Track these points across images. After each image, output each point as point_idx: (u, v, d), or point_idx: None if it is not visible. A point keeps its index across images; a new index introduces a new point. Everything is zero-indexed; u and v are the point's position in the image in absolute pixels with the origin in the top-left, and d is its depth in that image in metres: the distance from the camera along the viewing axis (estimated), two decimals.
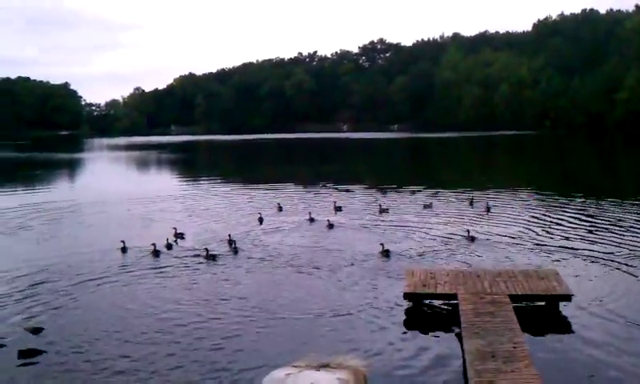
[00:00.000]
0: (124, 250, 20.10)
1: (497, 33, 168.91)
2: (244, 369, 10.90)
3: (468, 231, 21.27)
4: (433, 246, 20.37)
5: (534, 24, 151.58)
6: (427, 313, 13.74)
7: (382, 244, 19.32)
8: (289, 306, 14.33)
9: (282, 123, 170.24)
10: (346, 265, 18.09)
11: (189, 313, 13.97)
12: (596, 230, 22.04)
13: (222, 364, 11.11)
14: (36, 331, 12.45)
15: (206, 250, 19.46)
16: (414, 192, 33.84)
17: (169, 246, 20.39)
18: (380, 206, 27.30)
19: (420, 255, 19.13)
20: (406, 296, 13.81)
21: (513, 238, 21.17)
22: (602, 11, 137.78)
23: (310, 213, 25.89)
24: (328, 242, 21.34)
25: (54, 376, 10.89)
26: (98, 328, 13.12)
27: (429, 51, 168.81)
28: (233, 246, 20.20)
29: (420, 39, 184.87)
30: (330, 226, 23.76)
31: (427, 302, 13.98)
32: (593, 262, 17.53)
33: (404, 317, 13.42)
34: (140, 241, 21.18)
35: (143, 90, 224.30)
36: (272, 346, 11.98)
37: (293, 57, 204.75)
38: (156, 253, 19.64)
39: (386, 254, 18.81)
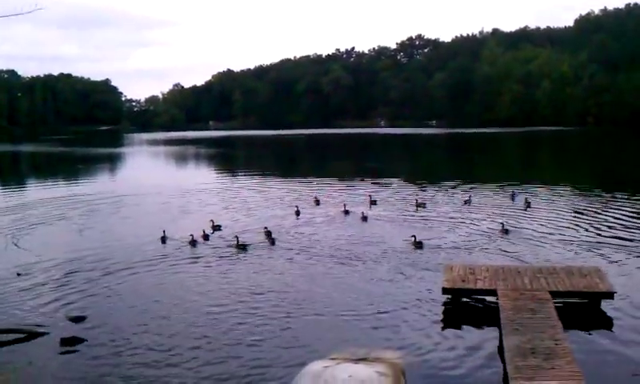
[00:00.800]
0: (163, 239, 20.55)
1: (537, 29, 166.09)
2: (282, 362, 10.94)
3: (502, 224, 21.30)
4: (469, 240, 20.28)
5: (576, 20, 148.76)
6: (466, 308, 13.58)
7: (413, 235, 19.45)
8: (325, 300, 14.35)
9: (320, 119, 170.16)
10: (380, 257, 18.09)
11: (227, 305, 14.08)
12: (636, 228, 21.48)
13: (261, 358, 11.15)
14: (78, 320, 12.68)
15: (237, 238, 19.74)
16: (453, 187, 33.57)
17: (206, 237, 20.66)
18: (416, 200, 27.16)
19: (455, 248, 19.09)
20: (445, 291, 13.68)
21: (554, 233, 20.81)
22: None
23: (344, 204, 26.04)
24: (362, 235, 21.41)
25: (95, 364, 11.08)
26: (138, 318, 13.34)
27: (468, 47, 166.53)
28: (270, 237, 20.39)
29: (459, 35, 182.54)
30: (364, 218, 23.90)
31: (466, 297, 13.81)
32: (636, 259, 17.11)
33: (442, 312, 13.32)
34: (178, 231, 21.58)
35: (182, 87, 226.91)
36: (309, 339, 12.01)
37: (330, 53, 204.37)
38: (193, 243, 19.99)
39: (418, 245, 18.91)
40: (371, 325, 12.61)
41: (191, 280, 16.30)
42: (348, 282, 15.79)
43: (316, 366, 9.20)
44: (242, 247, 19.25)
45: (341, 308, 13.69)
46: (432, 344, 11.55)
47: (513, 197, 28.40)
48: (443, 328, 12.45)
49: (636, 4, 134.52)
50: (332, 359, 9.82)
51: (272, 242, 20.10)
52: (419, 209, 26.01)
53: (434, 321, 12.79)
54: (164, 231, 20.81)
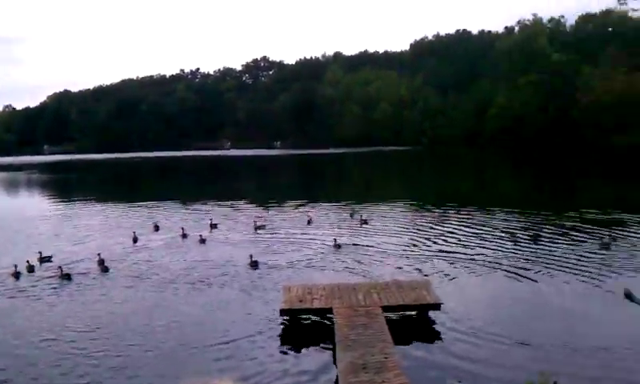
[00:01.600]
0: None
1: (377, 52, 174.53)
2: None
3: (335, 240, 22.18)
4: (308, 258, 20.64)
5: (411, 44, 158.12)
6: (304, 328, 13.65)
7: (250, 255, 19.77)
8: (162, 330, 13.82)
9: (164, 141, 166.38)
10: (219, 281, 17.92)
11: (52, 344, 13.14)
12: (467, 241, 22.93)
13: None
14: None
15: (60, 268, 18.75)
16: (296, 207, 34.05)
17: (31, 269, 19.40)
18: (255, 222, 27.15)
19: (294, 267, 19.35)
20: (283, 312, 13.67)
21: (389, 249, 21.69)
22: (475, 32, 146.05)
23: (182, 228, 25.71)
24: (201, 259, 21.11)
25: None
26: None
27: (311, 69, 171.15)
28: (103, 265, 19.51)
29: (303, 57, 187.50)
30: (202, 241, 23.72)
31: (304, 317, 13.88)
32: (464, 271, 18.20)
33: (280, 333, 13.29)
34: (1, 264, 20.09)
35: (14, 108, 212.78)
36: (147, 375, 11.47)
37: (175, 73, 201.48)
38: (16, 275, 18.73)
39: (254, 265, 19.18)
40: (210, 353, 12.31)
41: (11, 317, 15.08)
42: (185, 309, 15.37)
43: None
44: (67, 277, 18.34)
45: (179, 338, 13.25)
46: (271, 366, 11.48)
47: (352, 214, 29.31)
48: (281, 350, 12.41)
49: (465, 30, 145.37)
50: None
51: (105, 269, 19.25)
52: (259, 231, 26.04)
53: (273, 343, 12.73)
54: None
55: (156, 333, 13.59)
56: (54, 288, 17.59)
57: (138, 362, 11.98)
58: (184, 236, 25.00)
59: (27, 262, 19.59)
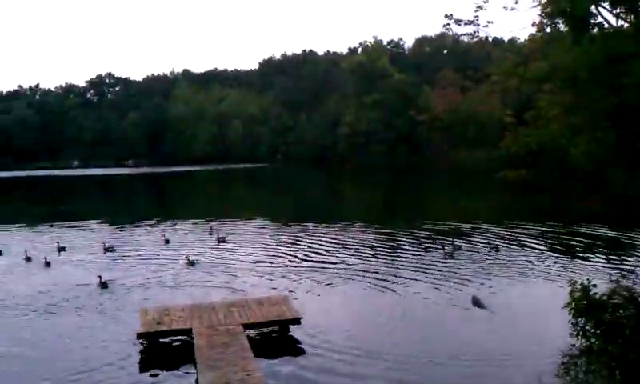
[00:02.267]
0: None
1: (225, 70, 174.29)
2: None
3: (187, 257, 22.30)
4: (161, 278, 20.39)
5: (260, 63, 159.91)
6: (163, 351, 13.35)
7: (99, 276, 19.33)
8: (8, 361, 13.00)
9: (5, 161, 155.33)
10: (69, 304, 17.26)
11: None
12: (323, 254, 23.64)
13: None
14: None
15: None
16: (152, 226, 33.36)
17: None
18: (104, 244, 26.22)
19: (148, 288, 19.03)
20: (140, 336, 13.33)
21: (248, 265, 21.89)
22: (321, 53, 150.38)
23: (25, 251, 24.44)
24: (47, 282, 20.14)
25: None
26: None
27: (160, 87, 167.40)
28: None
29: (150, 74, 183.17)
30: (47, 263, 22.69)
31: (163, 339, 13.60)
32: (323, 284, 18.76)
33: (139, 358, 12.91)
34: None
35: None
36: None
37: (12, 90, 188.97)
38: None
39: (104, 285, 18.81)
40: (62, 381, 11.74)
41: None
42: (34, 338, 14.50)
43: None
44: None
45: (27, 367, 12.56)
46: None
47: (211, 231, 29.13)
48: (139, 374, 12.11)
49: (311, 50, 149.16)
50: None
51: None
52: (108, 253, 25.23)
53: (132, 369, 12.36)
54: None
55: (2, 364, 12.77)
56: None
57: None
58: (28, 259, 23.77)
59: None
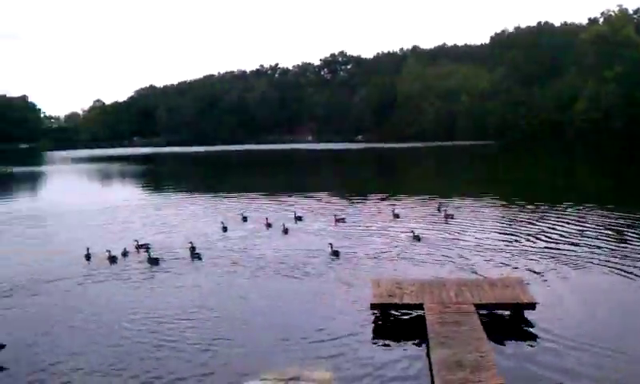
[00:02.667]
0: (88, 257, 20.18)
1: (455, 45, 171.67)
2: (213, 381, 10.74)
3: (413, 231, 22.40)
4: (387, 250, 20.83)
5: (492, 37, 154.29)
6: (394, 323, 13.66)
7: (330, 244, 20.15)
8: (253, 317, 14.23)
9: (246, 135, 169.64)
10: (305, 270, 18.34)
11: (150, 324, 13.75)
12: (560, 237, 22.28)
13: (190, 376, 10.89)
14: None
15: (146, 247, 20.21)
16: (381, 200, 34.28)
17: (125, 253, 20.57)
18: (335, 216, 27.28)
19: (377, 259, 19.47)
20: (373, 306, 13.75)
21: (476, 244, 21.38)
22: (557, 24, 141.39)
23: (267, 218, 26.42)
24: (284, 247, 21.85)
25: None
26: (59, 342, 12.85)
27: (389, 63, 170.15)
28: (194, 252, 20.38)
29: (380, 52, 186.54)
30: (285, 230, 24.39)
31: (394, 311, 13.91)
32: (557, 269, 17.70)
33: (371, 327, 13.35)
34: (101, 249, 21.04)
35: (103, 103, 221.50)
36: (239, 357, 11.83)
37: (255, 69, 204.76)
38: (112, 259, 19.88)
39: (335, 253, 19.60)
40: (300, 343, 12.52)
41: (111, 301, 15.89)
42: (275, 299, 15.67)
43: None
44: (155, 261, 19.42)
45: (269, 326, 13.59)
46: (361, 360, 11.54)
47: (439, 208, 29.02)
48: (372, 343, 12.49)
49: (547, 22, 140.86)
50: (262, 380, 9.75)
51: (197, 257, 20.06)
52: (338, 223, 26.22)
53: (363, 336, 12.81)
54: (88, 249, 20.50)
55: (248, 322, 13.98)
56: (146, 274, 18.46)
57: (230, 349, 12.31)
58: (268, 225, 25.70)
59: (124, 248, 20.83)
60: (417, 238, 21.86)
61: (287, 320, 13.96)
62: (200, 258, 19.90)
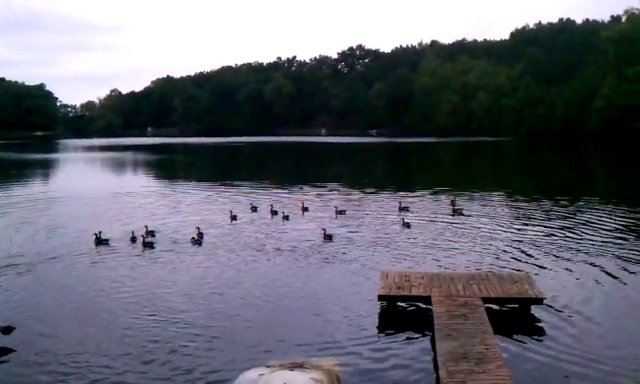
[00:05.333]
0: (98, 241, 20.64)
1: (475, 41, 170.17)
2: (216, 369, 10.81)
3: (402, 219, 23.47)
4: (395, 241, 21.14)
5: (512, 33, 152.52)
6: (401, 314, 13.70)
7: (323, 229, 21.43)
8: (260, 305, 14.36)
9: (261, 127, 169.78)
10: (293, 253, 19.29)
11: (158, 310, 13.90)
12: (568, 234, 22.17)
13: (193, 364, 10.95)
14: (7, 331, 12.07)
15: (146, 233, 20.92)
16: (392, 193, 34.58)
17: (133, 239, 21.10)
18: (335, 208, 27.48)
19: (366, 247, 20.06)
20: (381, 298, 13.79)
21: (486, 239, 21.40)
22: (579, 21, 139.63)
23: (271, 206, 27.22)
24: (294, 233, 22.63)
25: (27, 374, 10.69)
26: (69, 324, 13.04)
27: (407, 58, 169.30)
28: (201, 237, 21.13)
29: (399, 46, 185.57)
30: (286, 217, 25.55)
31: (401, 303, 13.93)
32: (565, 264, 17.66)
33: (378, 317, 13.40)
34: (113, 234, 21.77)
35: (120, 92, 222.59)
36: (245, 343, 11.94)
37: (272, 61, 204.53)
38: (134, 239, 20.87)
39: (328, 238, 20.73)
40: (307, 331, 12.63)
41: (120, 283, 16.18)
42: (282, 286, 15.84)
43: (251, 374, 9.09)
44: (150, 245, 20.30)
45: (276, 314, 13.71)
46: (368, 350, 11.58)
47: (453, 203, 28.98)
48: (379, 333, 12.53)
49: (568, 19, 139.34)
50: (267, 367, 9.76)
51: (199, 242, 20.78)
52: (339, 216, 26.44)
53: (370, 326, 12.86)
54: (98, 233, 20.95)
55: (253, 306, 14.21)
56: (158, 259, 18.81)
57: (233, 336, 12.44)
58: (274, 213, 26.49)
59: (132, 233, 21.44)
60: (407, 225, 22.41)
61: (295, 309, 14.10)
62: (200, 244, 20.65)
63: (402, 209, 27.56)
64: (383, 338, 12.30)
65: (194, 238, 21.02)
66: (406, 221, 23.43)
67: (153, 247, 20.13)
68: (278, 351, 11.14)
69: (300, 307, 14.23)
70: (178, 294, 15.18)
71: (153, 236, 21.53)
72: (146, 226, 22.19)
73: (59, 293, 15.43)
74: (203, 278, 16.61)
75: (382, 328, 12.84)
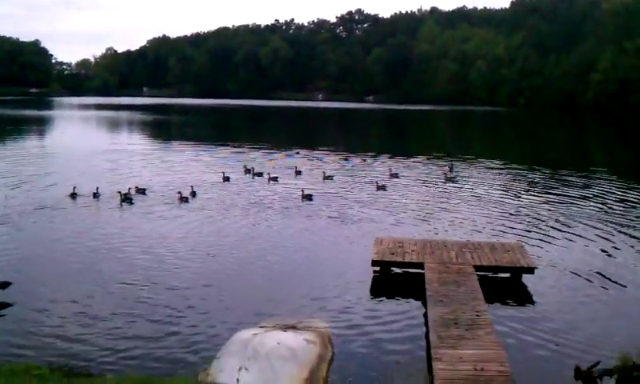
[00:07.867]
0: (73, 196, 21.35)
1: (475, 9, 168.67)
2: (212, 326, 10.99)
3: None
4: (388, 207, 21.55)
5: (512, 2, 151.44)
6: (394, 279, 13.87)
7: (302, 189, 22.37)
8: (251, 262, 14.65)
9: (257, 90, 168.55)
10: (276, 210, 20.18)
11: (152, 265, 14.15)
12: (563, 205, 22.37)
13: (188, 326, 11.08)
14: (3, 286, 12.18)
15: (119, 192, 21.17)
16: (387, 159, 34.87)
17: (129, 200, 21.32)
18: (324, 173, 27.69)
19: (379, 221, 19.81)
20: (375, 263, 13.94)
21: (479, 207, 21.62)
22: None
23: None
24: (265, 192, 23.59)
25: (24, 327, 10.84)
26: (64, 279, 13.18)
27: (407, 24, 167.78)
28: (192, 196, 21.78)
29: (398, 11, 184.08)
30: (274, 178, 26.26)
31: (395, 269, 14.09)
32: (557, 234, 17.85)
33: (371, 282, 13.56)
34: (107, 190, 22.58)
35: (115, 51, 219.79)
36: (239, 302, 12.17)
37: (269, 23, 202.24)
38: (127, 198, 21.10)
39: (308, 197, 21.73)
40: (300, 293, 12.79)
41: (111, 241, 16.44)
42: (273, 243, 16.20)
43: (245, 333, 9.29)
44: (129, 200, 20.84)
45: (270, 276, 13.88)
46: (360, 313, 11.74)
47: (451, 168, 29.11)
48: (371, 298, 12.69)
49: None
50: (261, 327, 9.94)
51: (185, 200, 21.34)
52: (326, 181, 26.63)
53: (363, 291, 13.02)
54: (74, 187, 21.77)
55: (246, 267, 14.48)
56: (151, 215, 19.48)
57: (229, 295, 12.64)
58: (275, 179, 26.58)
59: (128, 189, 21.90)
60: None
61: (288, 272, 14.28)
62: (187, 201, 21.22)
63: (393, 175, 27.70)
64: (375, 302, 12.46)
65: (180, 194, 21.49)
66: (380, 184, 24.33)
67: (132, 203, 20.71)
68: (271, 312, 11.31)
69: (293, 269, 14.39)
70: (167, 250, 15.50)
71: (144, 193, 22.04)
72: (136, 186, 22.77)
73: (46, 246, 15.89)
74: (188, 236, 17.07)
75: (374, 292, 13.00)
